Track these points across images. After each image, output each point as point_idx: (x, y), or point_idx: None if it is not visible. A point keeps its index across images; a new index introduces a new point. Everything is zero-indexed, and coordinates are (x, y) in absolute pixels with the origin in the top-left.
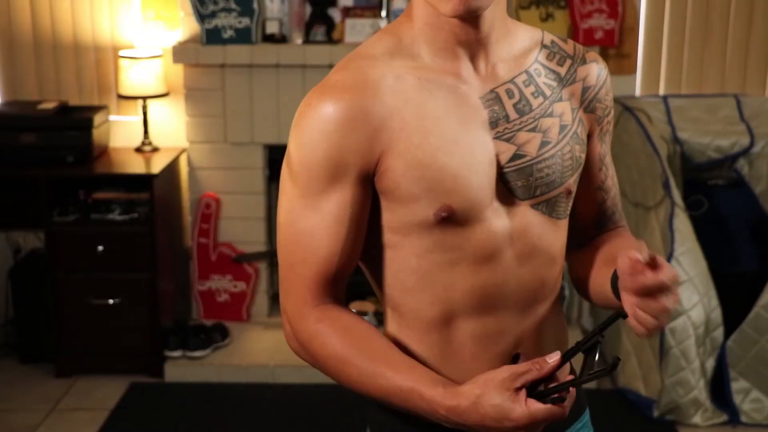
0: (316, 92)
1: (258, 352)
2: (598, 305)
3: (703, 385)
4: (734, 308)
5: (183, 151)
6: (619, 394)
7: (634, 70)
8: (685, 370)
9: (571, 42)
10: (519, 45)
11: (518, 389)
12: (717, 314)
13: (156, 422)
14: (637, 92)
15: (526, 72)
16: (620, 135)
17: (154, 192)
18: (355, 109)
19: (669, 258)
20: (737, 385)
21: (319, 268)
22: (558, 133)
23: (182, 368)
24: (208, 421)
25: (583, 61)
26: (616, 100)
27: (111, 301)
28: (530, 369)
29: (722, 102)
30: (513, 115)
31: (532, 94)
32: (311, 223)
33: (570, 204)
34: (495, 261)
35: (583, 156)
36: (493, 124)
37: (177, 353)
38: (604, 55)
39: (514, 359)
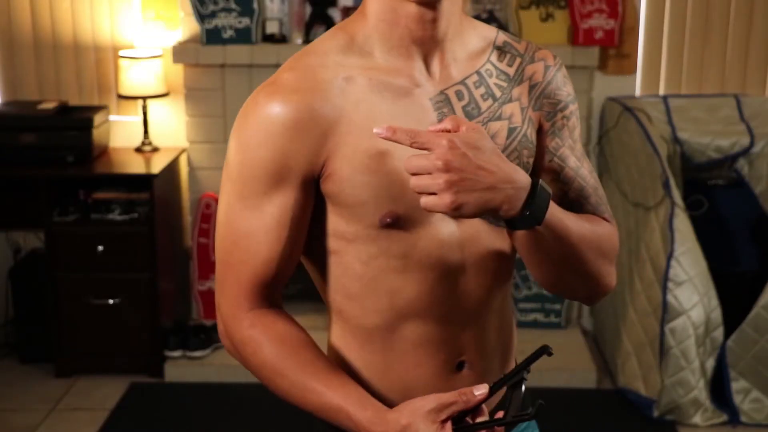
0: (264, 91)
1: None
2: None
3: (703, 385)
4: (734, 308)
5: (183, 151)
6: (619, 394)
7: (634, 70)
8: (685, 370)
9: (525, 42)
10: (473, 45)
11: (444, 421)
12: (717, 314)
13: (156, 422)
14: (637, 92)
15: (478, 73)
16: (620, 135)
17: (154, 192)
18: (302, 111)
19: (669, 258)
20: (737, 385)
21: (256, 271)
22: (506, 138)
23: (182, 368)
24: (208, 421)
25: (532, 60)
26: (616, 100)
27: (111, 301)
28: (456, 401)
29: (722, 102)
30: None
31: (482, 96)
32: (251, 225)
33: None
34: (442, 269)
35: (531, 161)
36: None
37: (177, 353)
38: (604, 55)
39: (459, 367)
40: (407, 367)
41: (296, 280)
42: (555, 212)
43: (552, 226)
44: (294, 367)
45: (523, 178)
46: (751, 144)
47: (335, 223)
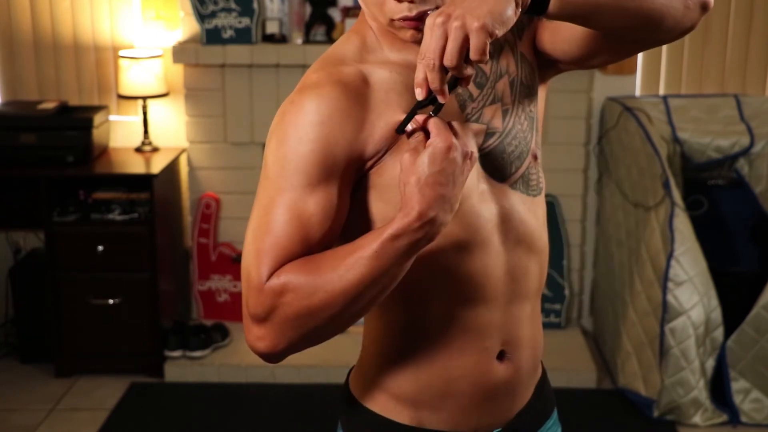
0: (296, 92)
1: None
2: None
3: (703, 385)
4: (734, 308)
5: (183, 151)
6: (619, 394)
7: (634, 70)
8: (685, 370)
9: None
10: None
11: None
12: (717, 314)
13: (156, 422)
14: (637, 92)
15: None
16: (620, 135)
17: (154, 192)
18: (339, 100)
19: (669, 258)
20: (737, 385)
21: (283, 259)
22: (510, 94)
23: (182, 368)
24: (208, 421)
25: None
26: (616, 100)
27: (111, 301)
28: (417, 134)
29: (722, 102)
30: (475, 91)
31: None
32: (287, 215)
33: (539, 172)
34: (483, 249)
35: (535, 110)
36: (462, 107)
37: (177, 353)
38: None
39: (500, 356)
40: (451, 354)
41: None
42: None
43: None
44: (328, 267)
45: None
46: (751, 144)
47: (382, 210)
